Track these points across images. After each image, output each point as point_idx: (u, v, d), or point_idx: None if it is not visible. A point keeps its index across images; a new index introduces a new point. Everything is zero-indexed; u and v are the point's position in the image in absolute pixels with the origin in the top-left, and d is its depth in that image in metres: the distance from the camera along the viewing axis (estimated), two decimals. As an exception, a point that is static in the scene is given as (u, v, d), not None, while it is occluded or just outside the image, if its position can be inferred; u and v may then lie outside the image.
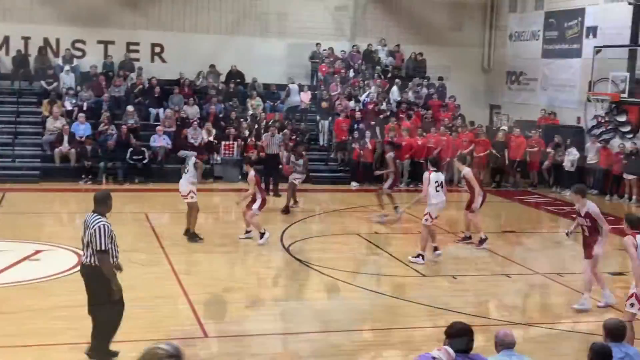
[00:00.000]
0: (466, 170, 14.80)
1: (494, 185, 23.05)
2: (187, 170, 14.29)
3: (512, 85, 27.54)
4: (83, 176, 20.75)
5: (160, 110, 23.34)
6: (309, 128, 24.10)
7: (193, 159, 14.44)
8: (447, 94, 26.38)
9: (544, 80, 25.65)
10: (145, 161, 21.27)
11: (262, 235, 14.16)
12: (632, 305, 8.95)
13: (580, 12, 23.71)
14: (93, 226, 7.80)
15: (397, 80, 25.74)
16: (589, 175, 22.48)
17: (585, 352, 6.15)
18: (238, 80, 25.40)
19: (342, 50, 26.64)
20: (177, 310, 10.28)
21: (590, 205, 11.03)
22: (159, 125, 22.33)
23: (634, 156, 20.77)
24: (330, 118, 24.14)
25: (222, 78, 25.45)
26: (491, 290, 12.22)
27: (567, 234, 11.86)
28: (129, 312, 8.30)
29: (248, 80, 25.53)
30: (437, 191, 13.36)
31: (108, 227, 7.84)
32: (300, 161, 18.11)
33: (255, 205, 14.21)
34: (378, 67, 26.14)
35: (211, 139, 22.37)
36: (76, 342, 8.52)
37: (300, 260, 13.27)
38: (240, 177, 21.98)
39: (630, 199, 20.94)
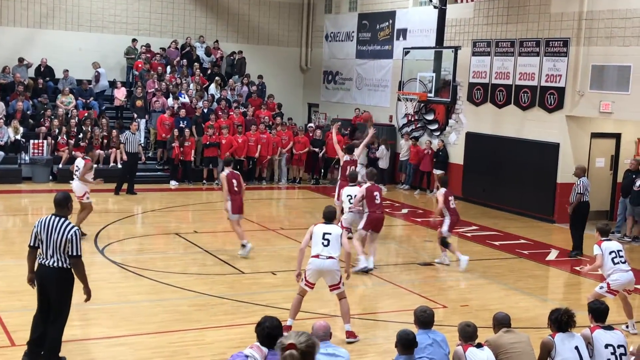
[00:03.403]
0: (222, 175, 14.29)
1: (313, 182, 23.62)
2: (77, 171, 14.48)
3: (329, 84, 28.27)
4: None
5: (-39, 108, 21.75)
6: (124, 125, 23.38)
7: (81, 160, 14.59)
8: (266, 92, 26.62)
9: (358, 80, 26.55)
10: (-57, 162, 19.74)
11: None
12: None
13: (391, 15, 24.76)
14: (68, 232, 7.98)
15: (217, 77, 25.63)
16: (402, 172, 23.59)
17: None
18: (48, 76, 24.20)
19: (160, 48, 26.16)
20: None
21: (439, 192, 13.84)
22: (-41, 123, 20.79)
23: (441, 152, 22.03)
24: (147, 116, 23.58)
25: (31, 73, 24.14)
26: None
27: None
28: None
29: (59, 75, 24.38)
30: (350, 203, 13.63)
31: (80, 232, 8.18)
32: None
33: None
34: (196, 64, 25.87)
35: (18, 137, 21.15)
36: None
37: (115, 262, 12.85)
38: (50, 177, 20.97)
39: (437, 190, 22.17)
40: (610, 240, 10.53)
